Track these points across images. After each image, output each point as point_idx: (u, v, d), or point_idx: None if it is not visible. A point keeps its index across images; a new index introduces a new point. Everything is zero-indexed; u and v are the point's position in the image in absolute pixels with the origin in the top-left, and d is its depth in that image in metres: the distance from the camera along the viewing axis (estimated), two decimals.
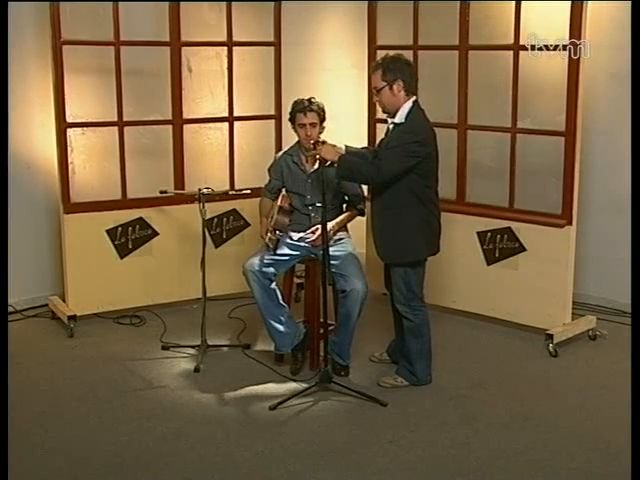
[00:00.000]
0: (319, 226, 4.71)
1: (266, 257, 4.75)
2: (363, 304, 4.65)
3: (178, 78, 5.60)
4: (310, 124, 4.73)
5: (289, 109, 4.84)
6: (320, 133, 4.79)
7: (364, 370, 4.83)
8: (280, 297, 4.78)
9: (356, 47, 6.21)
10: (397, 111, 4.41)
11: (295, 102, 4.82)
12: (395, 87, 4.38)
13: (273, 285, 4.75)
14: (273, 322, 4.77)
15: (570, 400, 4.50)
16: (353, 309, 4.62)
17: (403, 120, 4.39)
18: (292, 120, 4.82)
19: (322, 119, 4.78)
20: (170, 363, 4.95)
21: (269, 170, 5.02)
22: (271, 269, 4.74)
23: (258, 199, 5.07)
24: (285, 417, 4.28)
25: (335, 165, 4.40)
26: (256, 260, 4.74)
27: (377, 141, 4.72)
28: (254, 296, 4.75)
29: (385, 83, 4.38)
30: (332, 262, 4.50)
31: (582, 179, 5.21)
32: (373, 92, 4.49)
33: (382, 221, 4.51)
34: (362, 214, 4.98)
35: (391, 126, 4.47)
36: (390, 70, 4.38)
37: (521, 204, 5.31)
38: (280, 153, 5.04)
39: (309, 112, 4.73)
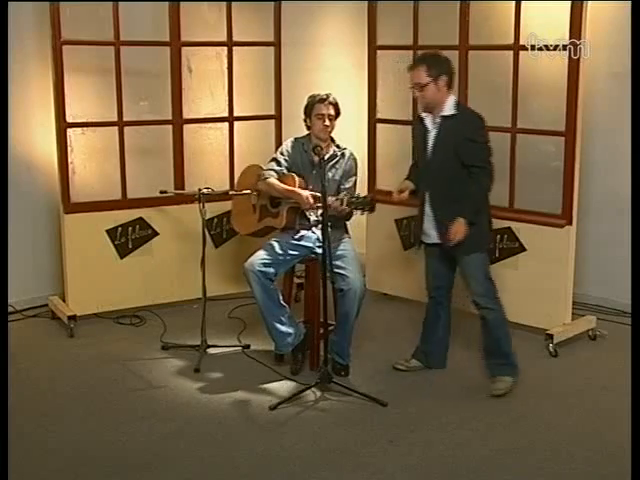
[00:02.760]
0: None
1: (266, 257, 4.74)
2: (361, 303, 4.66)
3: (178, 78, 5.60)
4: (328, 115, 4.77)
5: (305, 103, 4.84)
6: (333, 129, 4.82)
7: (364, 370, 4.83)
8: (280, 297, 4.78)
9: (356, 47, 6.21)
10: (438, 106, 4.41)
11: (312, 96, 4.84)
12: (440, 82, 4.39)
13: (273, 285, 4.74)
14: (274, 322, 4.76)
15: (570, 400, 4.50)
16: (351, 308, 4.63)
17: (454, 111, 4.41)
18: (308, 112, 4.82)
19: (337, 114, 4.82)
20: (170, 363, 4.95)
21: (282, 153, 4.94)
22: (271, 269, 4.73)
23: None
24: (285, 417, 4.28)
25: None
26: (257, 260, 4.73)
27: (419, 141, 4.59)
28: (255, 296, 4.74)
29: (431, 79, 4.37)
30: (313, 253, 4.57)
31: (582, 179, 5.21)
32: (414, 88, 4.44)
33: (457, 212, 4.40)
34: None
35: (438, 120, 4.44)
36: (434, 66, 4.39)
37: (521, 204, 5.31)
38: (293, 138, 4.98)
39: (329, 104, 4.77)
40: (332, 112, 4.79)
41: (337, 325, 4.80)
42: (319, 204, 4.63)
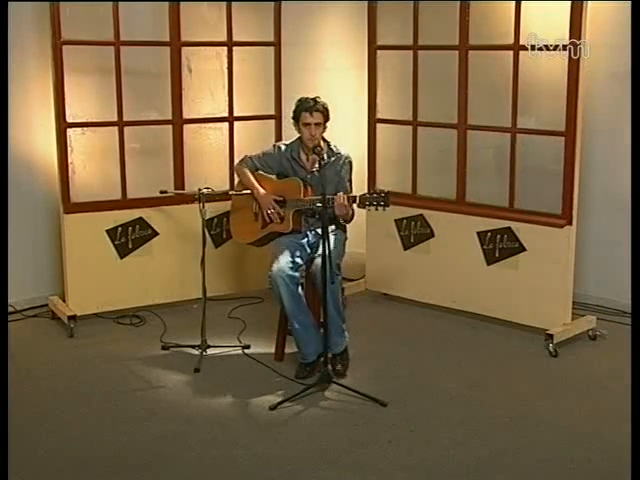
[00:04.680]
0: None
1: (292, 260, 4.64)
2: (331, 289, 4.47)
3: (178, 78, 5.60)
4: (315, 124, 4.72)
5: (293, 107, 4.82)
6: (323, 133, 4.79)
7: (364, 370, 4.83)
8: (306, 303, 4.69)
9: (356, 47, 6.21)
10: None
11: (300, 101, 4.79)
12: None
13: (300, 289, 4.66)
14: (301, 330, 4.66)
15: (570, 400, 4.50)
16: (318, 285, 4.52)
17: None
18: (296, 118, 4.79)
19: (326, 119, 4.78)
20: (170, 363, 4.94)
21: (265, 154, 4.99)
22: (297, 273, 4.65)
23: None
24: (285, 417, 4.28)
25: None
26: (284, 264, 4.62)
27: None
28: (283, 303, 4.63)
29: None
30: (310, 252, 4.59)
31: (582, 179, 5.21)
32: None
33: None
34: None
35: None
36: None
37: (521, 204, 5.31)
38: (282, 145, 4.98)
39: (315, 112, 4.71)
40: (320, 120, 4.73)
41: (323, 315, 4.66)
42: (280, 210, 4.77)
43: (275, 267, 4.63)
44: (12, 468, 3.50)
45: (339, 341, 4.73)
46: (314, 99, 4.76)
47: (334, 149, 4.89)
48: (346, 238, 4.93)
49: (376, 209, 4.55)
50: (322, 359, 4.58)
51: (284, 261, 4.65)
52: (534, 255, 5.27)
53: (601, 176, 5.65)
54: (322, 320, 4.67)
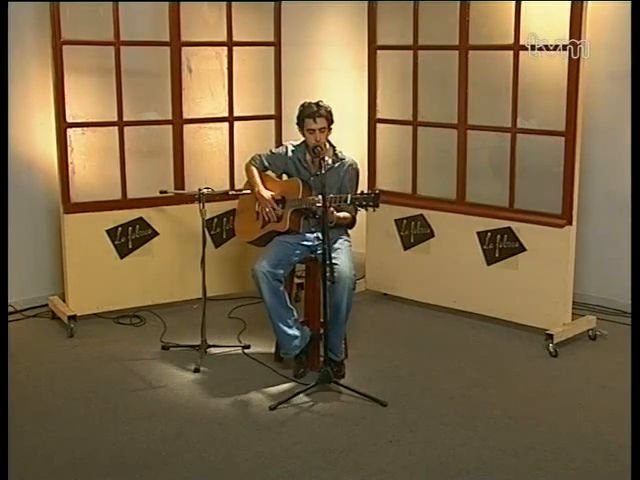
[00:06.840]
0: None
1: (275, 258, 4.69)
2: (351, 294, 4.60)
3: (178, 78, 5.60)
4: (319, 129, 4.71)
5: (296, 112, 4.80)
6: (328, 136, 4.78)
7: (364, 370, 4.83)
8: (288, 299, 4.74)
9: (356, 47, 6.21)
10: None
11: (303, 106, 4.76)
12: None
13: (282, 287, 4.70)
14: (282, 325, 4.69)
15: (570, 400, 4.50)
16: (340, 298, 4.55)
17: None
18: (300, 124, 4.78)
19: (330, 122, 4.76)
20: (170, 363, 4.95)
21: (273, 153, 5.00)
22: (281, 270, 4.68)
23: None
24: (285, 417, 4.28)
25: None
26: (266, 261, 4.67)
27: None
28: (263, 298, 4.68)
29: None
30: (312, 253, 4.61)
31: (582, 179, 5.21)
32: None
33: None
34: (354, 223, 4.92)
35: None
36: None
37: (521, 204, 5.31)
38: (290, 146, 4.96)
39: (318, 117, 4.69)
40: (323, 125, 4.71)
41: (329, 320, 4.66)
42: (279, 208, 4.79)
43: (257, 263, 4.68)
44: (12, 468, 3.50)
45: (340, 347, 4.74)
46: (317, 104, 4.73)
47: (339, 154, 4.87)
48: (350, 243, 4.93)
49: (366, 210, 4.56)
50: (322, 359, 4.60)
51: (267, 258, 4.70)
52: (534, 255, 5.27)
53: (601, 176, 5.65)
54: (322, 320, 4.67)
